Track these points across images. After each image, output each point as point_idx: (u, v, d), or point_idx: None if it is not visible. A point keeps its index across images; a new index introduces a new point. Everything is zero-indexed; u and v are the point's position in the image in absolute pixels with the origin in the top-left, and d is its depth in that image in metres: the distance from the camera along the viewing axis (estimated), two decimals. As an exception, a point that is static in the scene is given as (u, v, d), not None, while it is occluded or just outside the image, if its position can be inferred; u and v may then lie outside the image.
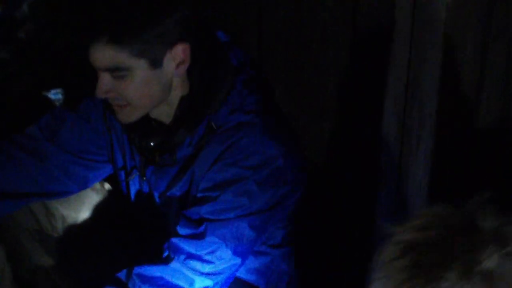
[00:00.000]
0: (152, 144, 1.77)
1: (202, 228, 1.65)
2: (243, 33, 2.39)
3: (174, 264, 1.60)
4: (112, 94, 1.67)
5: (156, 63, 1.65)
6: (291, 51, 2.22)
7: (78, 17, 1.68)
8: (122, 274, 1.61)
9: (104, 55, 1.61)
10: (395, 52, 1.60)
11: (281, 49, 2.27)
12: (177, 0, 1.66)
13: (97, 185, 2.01)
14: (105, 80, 1.66)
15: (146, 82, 1.66)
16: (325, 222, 1.98)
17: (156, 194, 1.84)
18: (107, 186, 2.04)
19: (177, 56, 1.66)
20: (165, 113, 1.76)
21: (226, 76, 1.75)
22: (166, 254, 1.63)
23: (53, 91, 2.48)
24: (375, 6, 1.79)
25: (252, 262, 1.85)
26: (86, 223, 2.00)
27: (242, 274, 1.86)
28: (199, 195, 1.71)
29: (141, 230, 1.98)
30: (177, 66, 1.68)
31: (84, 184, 1.94)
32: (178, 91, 1.73)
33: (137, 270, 1.59)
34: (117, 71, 1.63)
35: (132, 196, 1.91)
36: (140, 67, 1.63)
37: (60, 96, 2.55)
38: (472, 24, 1.50)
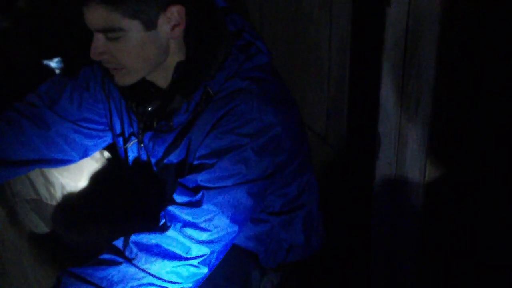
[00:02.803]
0: (149, 109, 1.75)
1: (198, 196, 1.63)
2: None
3: (171, 232, 1.58)
4: (106, 56, 1.65)
5: (150, 24, 1.62)
6: (290, 19, 2.19)
7: None
8: (119, 242, 1.60)
9: (97, 15, 1.59)
10: (391, 17, 1.57)
11: (279, 17, 2.24)
12: None
13: (97, 153, 1.99)
14: (99, 41, 1.63)
15: (140, 44, 1.63)
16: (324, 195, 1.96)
17: (153, 161, 1.83)
18: (106, 154, 2.03)
19: (172, 18, 1.64)
20: (162, 78, 1.74)
21: (223, 41, 1.72)
22: (162, 222, 1.61)
23: (55, 60, 2.46)
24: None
25: (251, 230, 1.84)
26: (85, 191, 1.99)
27: (241, 241, 1.84)
28: (195, 162, 1.69)
29: (140, 198, 1.97)
30: (172, 28, 1.65)
31: (84, 153, 1.93)
32: (174, 56, 1.71)
33: (134, 238, 1.58)
34: (110, 32, 1.61)
35: (131, 163, 1.90)
36: (133, 28, 1.61)
37: (61, 65, 2.53)
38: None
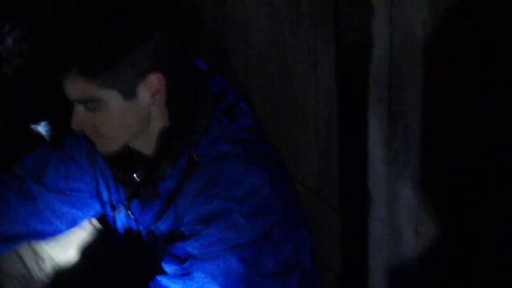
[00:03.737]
0: (134, 176, 1.72)
1: (187, 264, 1.59)
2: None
3: (161, 304, 1.54)
4: (86, 126, 1.63)
5: (129, 93, 1.60)
6: (276, 75, 2.17)
7: (50, 49, 1.66)
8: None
9: (75, 86, 1.58)
10: (374, 73, 1.54)
11: (265, 69, 2.22)
12: (150, 28, 1.61)
13: (86, 222, 1.96)
14: (79, 112, 1.62)
15: (120, 114, 1.61)
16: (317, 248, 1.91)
17: (142, 229, 1.80)
18: (95, 222, 1.99)
19: (151, 85, 1.62)
20: (145, 145, 1.72)
21: (206, 105, 1.70)
22: (153, 293, 1.57)
23: (42, 123, 2.45)
24: (356, 25, 1.74)
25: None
26: (75, 262, 1.95)
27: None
28: (183, 229, 1.66)
29: (131, 267, 1.92)
30: (153, 95, 1.63)
31: (73, 223, 1.90)
32: (157, 122, 1.69)
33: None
34: (90, 103, 1.59)
35: (120, 232, 1.87)
36: (112, 98, 1.59)
37: (48, 129, 2.51)
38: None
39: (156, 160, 1.70)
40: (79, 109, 1.61)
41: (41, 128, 2.41)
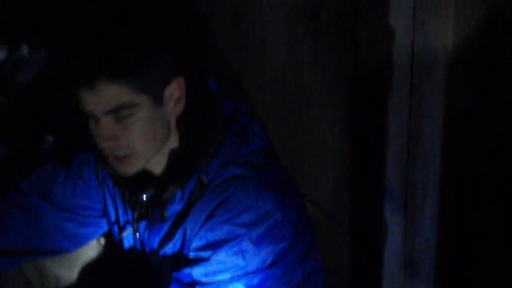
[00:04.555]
0: (143, 198, 1.65)
1: (195, 292, 1.52)
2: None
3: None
4: (114, 142, 1.54)
5: (158, 99, 1.54)
6: (293, 96, 2.11)
7: (76, 59, 1.56)
8: None
9: (107, 94, 1.49)
10: (394, 102, 1.46)
11: (281, 89, 2.16)
12: (172, 33, 1.58)
13: (93, 241, 1.89)
14: (108, 125, 1.52)
15: (151, 122, 1.54)
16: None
17: (149, 252, 1.73)
18: (102, 241, 1.93)
19: (174, 93, 1.56)
20: (156, 165, 1.65)
21: (217, 127, 1.64)
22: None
23: (51, 139, 2.38)
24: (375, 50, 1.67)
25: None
26: (80, 282, 1.89)
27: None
28: (191, 254, 1.59)
29: (136, 289, 1.86)
30: (175, 103, 1.58)
31: (79, 242, 1.84)
32: (169, 142, 1.61)
33: None
34: (122, 111, 1.50)
35: (127, 253, 1.80)
36: (145, 104, 1.52)
37: (56, 145, 2.45)
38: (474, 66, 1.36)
39: (165, 181, 1.63)
40: (107, 121, 1.51)
41: (49, 144, 2.35)
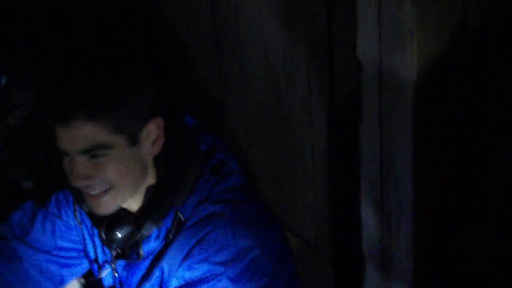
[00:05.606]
0: (118, 236, 1.60)
1: (173, 333, 1.47)
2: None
3: None
4: (90, 180, 1.52)
5: (134, 139, 1.51)
6: (274, 127, 2.08)
7: (54, 97, 1.53)
8: None
9: (81, 134, 1.46)
10: (365, 131, 1.42)
11: (262, 120, 2.13)
12: (151, 74, 1.55)
13: (74, 282, 1.84)
14: (82, 164, 1.50)
15: (125, 161, 1.51)
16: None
17: (127, 290, 1.68)
18: (82, 281, 1.88)
19: (152, 132, 1.53)
20: (133, 202, 1.62)
21: (193, 164, 1.61)
22: None
23: (29, 179, 2.36)
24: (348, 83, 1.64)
25: None
26: (61, 323, 1.83)
27: None
28: (169, 294, 1.54)
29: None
30: (153, 143, 1.55)
31: (61, 283, 1.80)
32: (146, 179, 1.57)
33: None
34: (96, 150, 1.48)
35: (106, 293, 1.75)
36: (120, 144, 1.49)
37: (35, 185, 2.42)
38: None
39: (140, 219, 1.59)
40: (82, 160, 1.49)
41: (30, 184, 2.31)
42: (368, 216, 1.50)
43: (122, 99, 1.48)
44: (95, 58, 1.55)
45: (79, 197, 1.61)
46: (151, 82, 1.53)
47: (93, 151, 1.48)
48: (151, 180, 1.59)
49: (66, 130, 1.47)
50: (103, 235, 1.65)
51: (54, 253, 1.76)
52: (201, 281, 1.51)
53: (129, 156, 1.51)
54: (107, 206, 1.55)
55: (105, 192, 1.54)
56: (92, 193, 1.54)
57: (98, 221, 1.65)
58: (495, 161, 1.39)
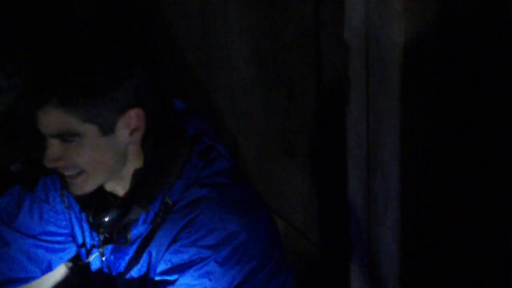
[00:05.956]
0: (105, 220, 1.60)
1: (161, 317, 1.46)
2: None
3: None
4: (62, 162, 1.52)
5: (107, 129, 1.50)
6: (260, 106, 2.07)
7: (34, 80, 1.56)
8: None
9: (53, 118, 1.48)
10: (352, 115, 1.41)
11: (250, 104, 2.12)
12: (133, 64, 1.53)
13: (61, 266, 1.83)
14: (54, 147, 1.51)
15: (97, 149, 1.51)
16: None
17: (116, 275, 1.67)
18: (69, 265, 1.87)
19: (130, 122, 1.52)
20: (119, 187, 1.61)
21: (181, 148, 1.59)
22: None
23: (17, 163, 2.34)
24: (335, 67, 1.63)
25: None
26: (50, 308, 1.83)
27: None
28: (157, 278, 1.54)
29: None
30: (131, 133, 1.53)
31: (48, 268, 1.78)
32: (132, 163, 1.58)
33: None
34: (65, 136, 1.49)
35: (94, 277, 1.74)
36: (90, 133, 1.49)
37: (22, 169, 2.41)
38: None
39: (128, 203, 1.58)
40: (54, 144, 1.50)
41: (17, 168, 2.29)
42: (355, 200, 1.49)
43: (96, 89, 1.48)
44: (76, 47, 1.58)
45: (66, 181, 1.60)
46: (132, 73, 1.51)
47: (62, 136, 1.49)
48: (138, 164, 1.58)
49: (40, 113, 1.49)
50: (90, 219, 1.64)
51: (42, 237, 1.74)
52: (188, 264, 1.50)
53: (101, 144, 1.51)
54: (81, 187, 1.56)
55: (77, 174, 1.54)
56: (66, 174, 1.55)
57: (85, 205, 1.64)
58: (484, 146, 1.39)
